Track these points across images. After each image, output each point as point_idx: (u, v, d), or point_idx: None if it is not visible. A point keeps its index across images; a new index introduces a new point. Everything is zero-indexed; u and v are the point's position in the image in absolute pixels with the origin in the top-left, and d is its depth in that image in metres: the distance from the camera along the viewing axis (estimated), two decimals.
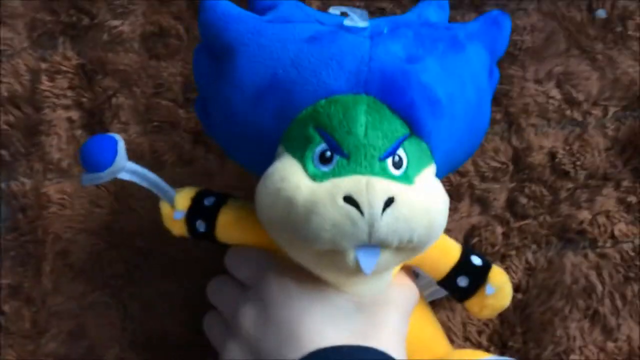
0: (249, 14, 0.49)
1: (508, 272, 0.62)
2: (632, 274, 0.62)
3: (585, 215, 0.64)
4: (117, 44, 0.67)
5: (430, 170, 0.47)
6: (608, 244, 0.63)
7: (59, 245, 0.64)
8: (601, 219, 0.63)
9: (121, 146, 0.49)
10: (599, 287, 0.62)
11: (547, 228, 0.63)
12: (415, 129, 0.46)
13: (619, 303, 0.62)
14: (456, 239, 0.62)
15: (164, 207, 0.53)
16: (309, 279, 0.49)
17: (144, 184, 0.51)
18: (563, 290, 0.62)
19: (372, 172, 0.44)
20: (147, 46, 0.67)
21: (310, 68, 0.46)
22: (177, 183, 0.64)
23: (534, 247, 0.63)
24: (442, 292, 0.56)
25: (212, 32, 0.49)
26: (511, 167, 0.64)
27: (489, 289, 0.53)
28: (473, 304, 0.54)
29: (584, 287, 0.62)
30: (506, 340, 0.61)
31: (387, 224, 0.43)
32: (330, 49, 0.46)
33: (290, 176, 0.45)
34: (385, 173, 0.44)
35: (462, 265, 0.53)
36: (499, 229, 0.63)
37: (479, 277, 0.53)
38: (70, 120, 0.66)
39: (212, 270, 0.61)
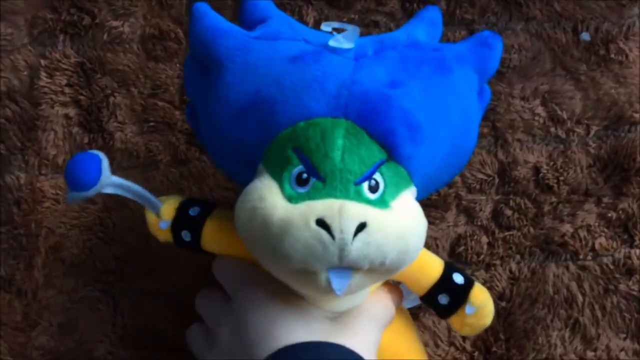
0: (238, 29, 0.49)
1: (492, 281, 0.64)
2: (611, 287, 0.64)
3: (567, 228, 0.65)
4: (116, 44, 0.67)
5: (409, 193, 0.47)
6: (589, 257, 0.65)
7: (52, 239, 0.64)
8: (582, 233, 0.65)
9: (105, 165, 0.49)
10: (580, 298, 0.64)
11: (530, 239, 0.65)
12: (393, 154, 0.46)
13: (598, 314, 0.64)
14: (442, 248, 0.64)
15: (149, 216, 0.54)
16: (285, 291, 0.49)
17: (129, 196, 0.51)
18: (545, 299, 0.64)
19: (347, 197, 0.44)
20: (146, 48, 0.67)
21: (292, 89, 0.46)
22: (171, 183, 0.65)
23: (517, 257, 0.65)
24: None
25: (201, 44, 0.49)
26: (497, 180, 0.66)
27: (468, 308, 0.53)
28: (454, 322, 0.54)
29: (566, 298, 0.64)
30: (490, 346, 0.63)
31: (357, 248, 0.43)
32: (312, 71, 0.46)
33: (268, 196, 0.45)
34: (360, 197, 0.44)
35: (443, 283, 0.53)
36: (484, 239, 0.65)
37: (459, 296, 0.53)
38: (67, 117, 0.66)
39: (202, 268, 0.62)
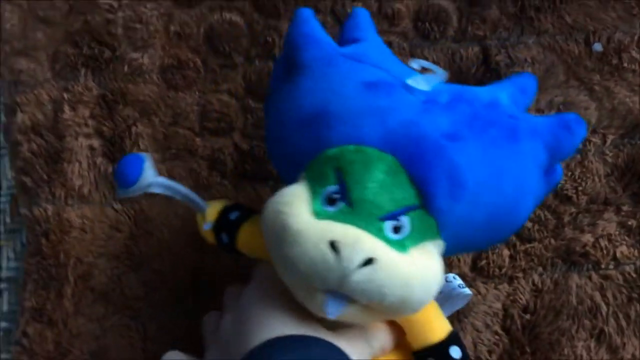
0: (330, 42, 0.51)
1: (516, 294, 0.64)
2: (634, 295, 0.64)
3: (588, 238, 0.65)
4: (137, 75, 0.69)
5: (433, 245, 0.47)
6: (611, 266, 0.65)
7: (81, 268, 0.66)
8: (603, 242, 0.65)
9: (148, 165, 0.52)
10: (604, 308, 0.64)
11: (552, 251, 0.65)
12: (426, 204, 0.46)
13: (623, 322, 0.64)
14: (464, 262, 0.65)
15: (199, 218, 0.56)
16: (289, 294, 0.49)
17: (177, 197, 0.54)
18: (569, 310, 0.64)
19: (368, 229, 0.45)
20: (165, 77, 0.69)
21: (356, 112, 0.47)
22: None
23: (540, 269, 0.65)
24: (457, 305, 0.57)
25: (291, 46, 0.51)
26: None
27: None
28: None
29: (589, 308, 0.64)
30: (516, 359, 0.63)
31: (358, 280, 0.44)
32: (381, 102, 0.47)
33: (296, 204, 0.46)
34: (380, 233, 0.45)
35: (438, 351, 0.51)
36: (506, 252, 0.65)
37: None
38: (91, 148, 0.68)
39: None
